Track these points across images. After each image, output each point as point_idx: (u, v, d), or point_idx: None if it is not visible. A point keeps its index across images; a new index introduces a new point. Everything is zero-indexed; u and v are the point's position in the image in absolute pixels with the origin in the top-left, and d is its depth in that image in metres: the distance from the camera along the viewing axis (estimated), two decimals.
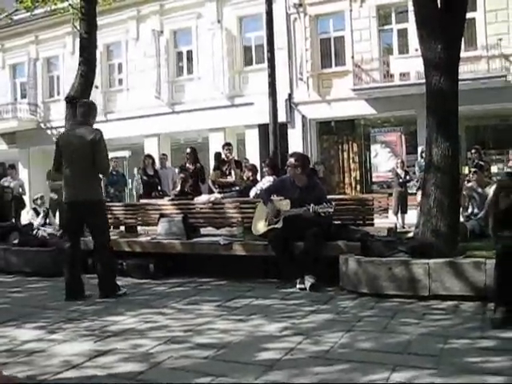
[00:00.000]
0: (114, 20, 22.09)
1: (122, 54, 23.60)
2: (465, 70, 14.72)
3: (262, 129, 17.89)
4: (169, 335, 4.40)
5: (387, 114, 20.27)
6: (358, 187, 21.20)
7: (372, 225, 7.17)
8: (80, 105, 6.47)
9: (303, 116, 20.72)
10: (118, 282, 6.33)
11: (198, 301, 5.78)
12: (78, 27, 8.64)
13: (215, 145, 18.51)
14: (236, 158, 14.03)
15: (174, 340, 4.26)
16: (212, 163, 13.09)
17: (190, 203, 8.39)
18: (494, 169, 16.69)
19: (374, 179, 20.81)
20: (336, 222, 6.98)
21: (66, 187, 6.21)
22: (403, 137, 20.22)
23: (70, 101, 8.28)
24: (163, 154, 15.80)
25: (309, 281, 6.12)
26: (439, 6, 6.09)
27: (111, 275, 6.22)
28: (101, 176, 6.64)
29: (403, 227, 12.88)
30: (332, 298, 5.69)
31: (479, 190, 7.67)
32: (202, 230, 7.96)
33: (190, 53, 22.49)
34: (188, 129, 21.77)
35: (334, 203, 6.43)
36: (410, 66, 17.48)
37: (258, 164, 13.42)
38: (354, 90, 19.27)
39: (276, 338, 4.26)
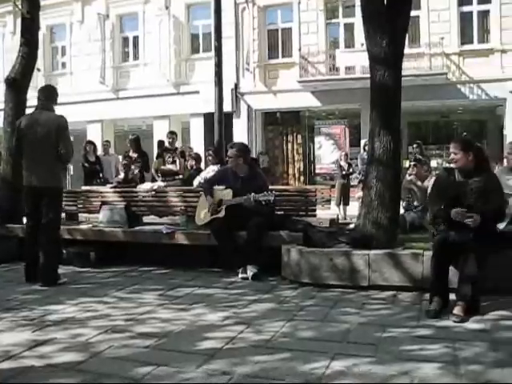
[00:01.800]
0: (58, 1, 21.56)
1: (65, 36, 23.07)
2: (408, 67, 14.99)
3: (208, 118, 17.80)
4: (110, 324, 4.35)
5: (332, 106, 20.51)
6: (302, 178, 21.40)
7: (314, 216, 7.24)
8: (42, 89, 6.30)
9: (249, 106, 20.74)
10: (59, 271, 6.20)
11: (139, 290, 5.72)
12: (20, 6, 8.35)
13: (160, 133, 18.34)
14: (180, 146, 13.97)
15: (115, 329, 4.22)
16: (156, 151, 12.98)
17: (132, 191, 8.29)
18: (433, 163, 17.11)
19: (317, 171, 21.04)
20: (279, 213, 7.02)
21: (26, 172, 6.12)
22: (347, 130, 20.51)
23: (10, 83, 8.01)
24: (106, 141, 15.53)
25: (251, 270, 6.15)
26: (385, 2, 6.17)
27: (55, 264, 6.12)
28: (64, 164, 6.51)
29: (345, 218, 13.06)
30: (274, 288, 5.73)
31: (418, 183, 7.85)
32: (145, 219, 7.88)
33: (136, 38, 22.17)
34: (132, 116, 21.49)
35: (274, 192, 6.47)
36: (356, 60, 17.70)
37: (202, 153, 13.37)
38: (300, 81, 19.41)
39: (218, 327, 4.27)
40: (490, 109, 20.29)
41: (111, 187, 9.00)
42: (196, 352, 3.65)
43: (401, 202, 7.20)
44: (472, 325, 4.22)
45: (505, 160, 6.33)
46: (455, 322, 4.27)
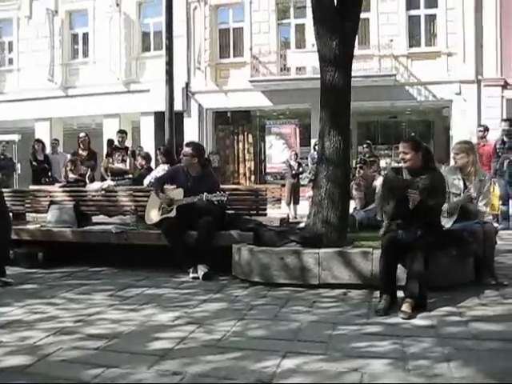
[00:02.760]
0: None
1: (12, 31, 22.59)
2: (358, 68, 15.19)
3: (158, 116, 17.66)
4: (58, 326, 4.26)
5: (283, 106, 20.65)
6: (253, 178, 21.46)
7: (265, 215, 7.26)
8: None
9: (200, 105, 20.68)
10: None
11: (89, 290, 5.63)
12: None
13: (109, 131, 18.08)
14: (131, 145, 13.82)
15: (64, 331, 4.13)
16: (105, 150, 12.80)
17: (81, 190, 8.16)
18: (382, 163, 17.40)
19: (268, 170, 21.15)
20: (230, 212, 7.02)
21: None
22: (298, 129, 20.67)
23: None
24: (55, 139, 15.24)
25: (202, 270, 6.12)
26: (335, 4, 6.23)
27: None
28: None
29: (295, 218, 13.14)
30: (225, 287, 5.72)
31: (366, 183, 7.98)
32: (94, 219, 7.76)
33: (85, 35, 21.84)
34: (82, 114, 21.15)
35: (227, 193, 6.46)
36: (307, 60, 17.86)
37: (152, 152, 13.25)
38: (251, 81, 19.45)
39: (168, 327, 4.24)
40: (436, 110, 20.79)
41: (60, 186, 8.82)
42: (147, 353, 3.61)
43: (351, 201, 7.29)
44: (419, 321, 4.30)
45: (451, 160, 6.48)
46: (403, 318, 4.35)
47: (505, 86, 18.58)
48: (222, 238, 6.38)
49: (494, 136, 11.23)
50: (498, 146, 10.31)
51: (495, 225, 7.66)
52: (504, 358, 3.41)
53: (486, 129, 11.06)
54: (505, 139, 10.17)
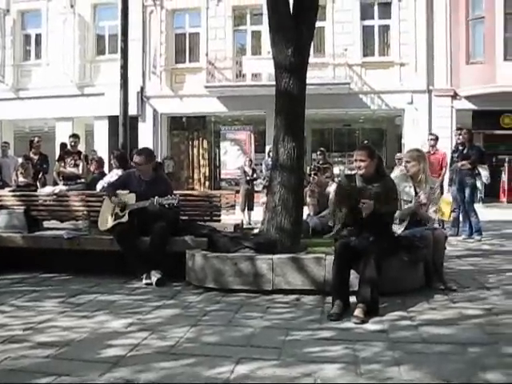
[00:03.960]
0: None
1: None
2: (313, 76, 15.32)
3: (112, 121, 17.47)
4: (7, 334, 4.15)
5: (238, 112, 20.71)
6: (207, 183, 21.45)
7: (219, 221, 7.25)
8: None
9: (154, 110, 20.57)
10: None
11: (39, 297, 5.51)
12: None
13: (62, 135, 17.78)
14: (84, 149, 13.63)
15: (13, 339, 4.03)
16: (58, 154, 12.59)
17: (32, 195, 7.97)
18: (335, 170, 17.58)
19: (222, 176, 21.18)
20: (183, 218, 6.99)
21: None
22: (252, 136, 20.77)
23: None
24: (5, 142, 14.85)
25: (155, 276, 6.07)
26: (291, 12, 6.28)
27: None
28: None
29: (249, 224, 13.16)
30: (178, 293, 5.68)
31: (319, 190, 8.06)
32: (46, 224, 7.60)
33: (38, 36, 21.47)
34: (33, 116, 20.78)
35: (178, 196, 6.43)
36: (262, 67, 17.98)
37: (106, 156, 13.09)
38: (207, 87, 19.46)
39: (121, 334, 4.19)
40: (389, 118, 21.20)
41: (10, 190, 8.61)
42: (99, 360, 3.56)
43: (305, 208, 7.35)
44: (371, 326, 4.37)
45: (402, 167, 6.60)
46: (356, 323, 4.40)
47: (454, 96, 19.12)
48: (176, 243, 6.33)
49: (444, 145, 11.48)
50: (453, 155, 10.57)
51: (445, 231, 7.83)
52: (452, 361, 3.50)
53: (437, 138, 11.30)
54: (459, 148, 10.43)
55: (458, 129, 11.77)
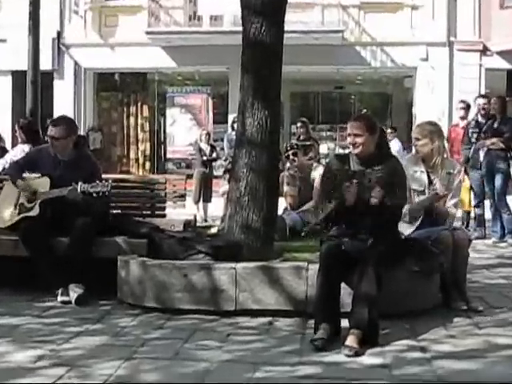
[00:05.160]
0: None
1: None
2: (294, 20, 15.29)
3: (18, 77, 17.25)
4: None
5: (191, 68, 20.63)
6: (148, 165, 21.37)
7: (164, 216, 7.24)
8: None
9: (76, 63, 20.36)
10: None
11: None
12: None
13: None
14: None
15: None
16: None
17: None
18: (323, 148, 17.67)
19: (169, 155, 21.14)
20: (115, 212, 6.95)
21: None
22: (210, 100, 20.74)
23: None
24: None
25: (75, 291, 6.02)
26: None
27: None
28: None
29: (205, 220, 13.18)
30: (107, 315, 5.65)
31: (301, 175, 8.09)
32: None
33: None
34: None
35: (110, 182, 6.38)
36: (224, 7, 17.84)
37: (8, 126, 12.95)
38: (149, 33, 19.28)
39: (28, 370, 4.14)
40: (396, 80, 21.33)
41: None
42: None
43: (281, 199, 7.37)
44: (369, 359, 4.38)
45: (413, 148, 6.65)
46: (348, 355, 4.42)
47: (483, 51, 19.22)
48: (104, 246, 6.30)
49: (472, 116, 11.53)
50: (470, 130, 10.55)
51: (469, 232, 7.93)
52: None
53: (468, 106, 11.37)
54: (480, 120, 10.41)
55: (481, 96, 11.75)
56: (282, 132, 7.03)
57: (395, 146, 15.44)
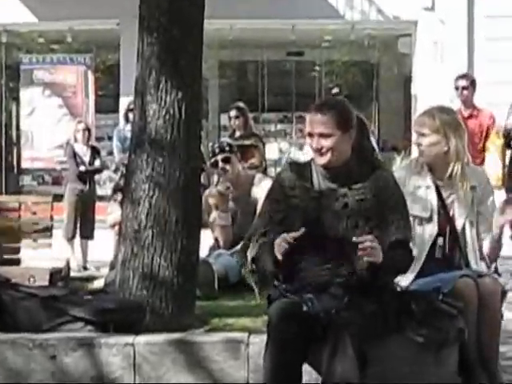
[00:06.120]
0: None
1: None
2: None
3: None
4: None
5: (60, 24, 20.53)
6: None
7: (17, 262, 7.24)
8: None
9: None
10: None
11: None
12: None
13: None
14: None
15: None
16: None
17: None
18: (271, 151, 17.66)
19: (24, 164, 21.06)
20: None
21: None
22: (91, 76, 20.68)
23: None
24: None
25: None
26: None
27: None
28: None
29: (85, 268, 13.15)
30: None
31: (236, 194, 8.11)
32: None
33: None
34: None
35: None
36: None
37: None
38: None
39: None
40: (385, 41, 21.54)
41: None
42: None
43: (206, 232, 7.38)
44: None
45: (413, 148, 6.71)
46: None
47: None
48: None
49: (503, 98, 11.67)
50: (510, 127, 10.75)
51: (499, 279, 8.01)
52: None
53: (472, 81, 11.56)
54: None
55: None
56: (205, 125, 6.91)
57: None
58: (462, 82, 11.40)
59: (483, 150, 10.72)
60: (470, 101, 11.17)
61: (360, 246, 4.78)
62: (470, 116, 11.02)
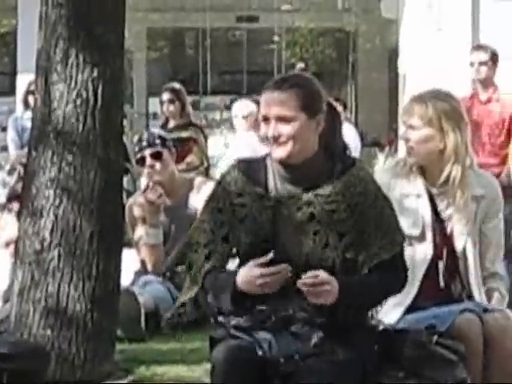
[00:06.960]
0: None
1: None
2: None
3: None
4: None
5: None
6: None
7: None
8: None
9: None
10: None
11: None
12: None
13: None
14: None
15: None
16: None
17: None
18: (215, 145, 17.68)
19: None
20: None
21: None
22: None
23: None
24: None
25: None
26: None
27: None
28: None
29: None
30: None
31: (170, 202, 8.11)
32: None
33: None
34: None
35: None
36: None
37: None
38: None
39: None
40: (364, 2, 21.69)
41: None
42: None
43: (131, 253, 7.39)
44: None
45: (399, 144, 6.72)
46: None
47: None
48: None
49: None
50: None
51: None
52: None
53: (493, 55, 11.64)
54: None
55: None
56: (129, 113, 6.87)
57: (348, 136, 15.58)
58: (480, 56, 11.49)
59: (505, 145, 10.75)
60: (491, 80, 11.25)
61: (303, 289, 4.77)
62: (489, 100, 11.08)
